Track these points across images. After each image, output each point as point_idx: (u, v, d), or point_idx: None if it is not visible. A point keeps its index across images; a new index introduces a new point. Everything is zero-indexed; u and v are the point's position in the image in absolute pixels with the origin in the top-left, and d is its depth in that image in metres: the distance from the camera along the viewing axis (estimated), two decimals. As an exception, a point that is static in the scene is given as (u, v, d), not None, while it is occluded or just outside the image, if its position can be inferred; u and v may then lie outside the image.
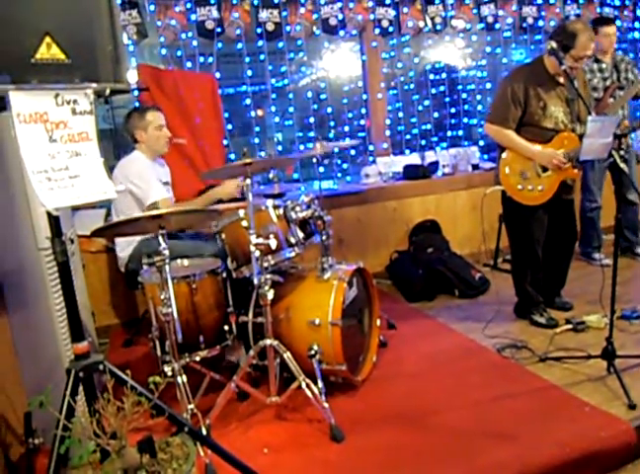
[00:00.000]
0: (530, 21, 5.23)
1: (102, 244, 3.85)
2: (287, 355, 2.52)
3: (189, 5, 4.20)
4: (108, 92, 1.76)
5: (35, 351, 2.31)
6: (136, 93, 4.00)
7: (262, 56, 4.48)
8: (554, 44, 2.89)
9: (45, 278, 2.26)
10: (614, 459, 2.20)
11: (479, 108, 5.31)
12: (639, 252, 4.59)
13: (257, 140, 4.58)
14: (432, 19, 4.90)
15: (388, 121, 5.02)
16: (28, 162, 1.58)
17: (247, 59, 4.44)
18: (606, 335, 2.65)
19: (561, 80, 3.16)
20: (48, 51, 1.59)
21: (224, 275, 2.76)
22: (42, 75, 1.59)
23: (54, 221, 1.75)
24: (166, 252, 2.21)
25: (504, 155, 3.24)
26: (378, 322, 3.09)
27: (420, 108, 5.16)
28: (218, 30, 4.26)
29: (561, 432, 2.25)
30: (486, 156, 5.24)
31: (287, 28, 4.48)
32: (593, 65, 4.26)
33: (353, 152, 5.05)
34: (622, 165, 2.61)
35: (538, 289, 3.45)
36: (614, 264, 2.63)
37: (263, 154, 4.64)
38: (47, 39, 1.58)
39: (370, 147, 5.02)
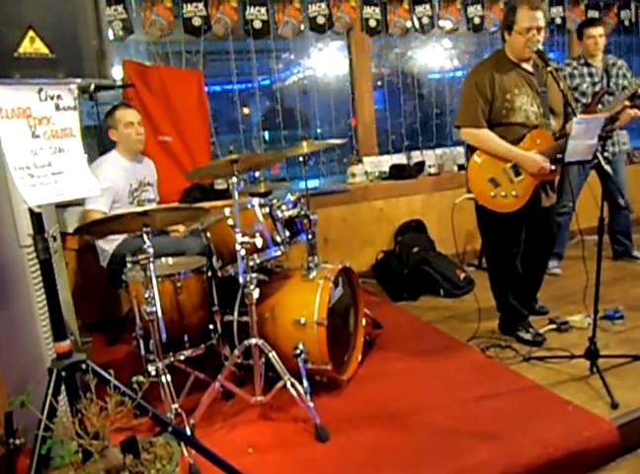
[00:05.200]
0: (517, 22, 5.25)
1: (84, 241, 3.79)
2: (273, 355, 2.51)
3: (175, 1, 4.17)
4: (92, 87, 1.74)
5: (16, 349, 2.27)
6: (121, 89, 3.96)
7: (249, 54, 4.46)
8: (540, 47, 2.77)
9: (27, 276, 2.22)
10: (597, 458, 2.22)
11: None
12: (637, 255, 4.46)
13: (243, 138, 4.55)
14: (419, 19, 4.91)
15: (375, 121, 5.02)
16: (10, 158, 1.56)
17: (234, 57, 4.42)
18: (590, 335, 2.67)
19: (529, 68, 2.95)
20: (32, 46, 1.56)
21: (209, 273, 2.75)
22: (25, 70, 1.56)
23: (37, 218, 1.72)
24: (150, 250, 2.19)
25: (472, 161, 3.00)
26: (364, 321, 3.09)
27: (406, 107, 5.17)
28: (205, 27, 4.24)
29: (544, 431, 2.27)
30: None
31: (275, 26, 4.47)
32: (582, 69, 4.07)
33: (339, 151, 5.04)
34: (607, 167, 2.56)
35: (522, 302, 3.25)
36: (598, 264, 2.63)
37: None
38: (31, 34, 1.55)
39: (357, 146, 5.02)
